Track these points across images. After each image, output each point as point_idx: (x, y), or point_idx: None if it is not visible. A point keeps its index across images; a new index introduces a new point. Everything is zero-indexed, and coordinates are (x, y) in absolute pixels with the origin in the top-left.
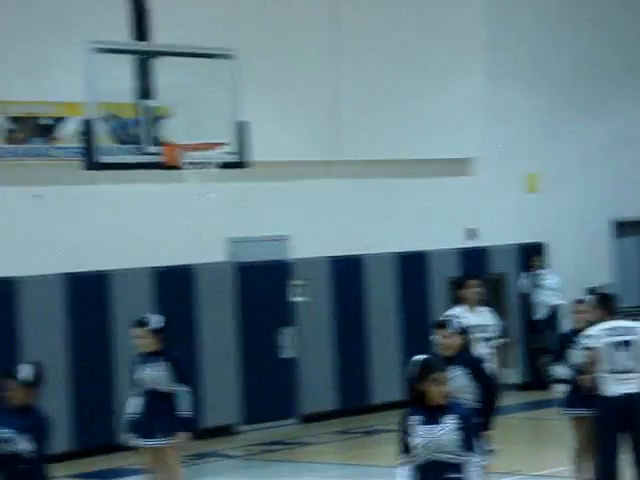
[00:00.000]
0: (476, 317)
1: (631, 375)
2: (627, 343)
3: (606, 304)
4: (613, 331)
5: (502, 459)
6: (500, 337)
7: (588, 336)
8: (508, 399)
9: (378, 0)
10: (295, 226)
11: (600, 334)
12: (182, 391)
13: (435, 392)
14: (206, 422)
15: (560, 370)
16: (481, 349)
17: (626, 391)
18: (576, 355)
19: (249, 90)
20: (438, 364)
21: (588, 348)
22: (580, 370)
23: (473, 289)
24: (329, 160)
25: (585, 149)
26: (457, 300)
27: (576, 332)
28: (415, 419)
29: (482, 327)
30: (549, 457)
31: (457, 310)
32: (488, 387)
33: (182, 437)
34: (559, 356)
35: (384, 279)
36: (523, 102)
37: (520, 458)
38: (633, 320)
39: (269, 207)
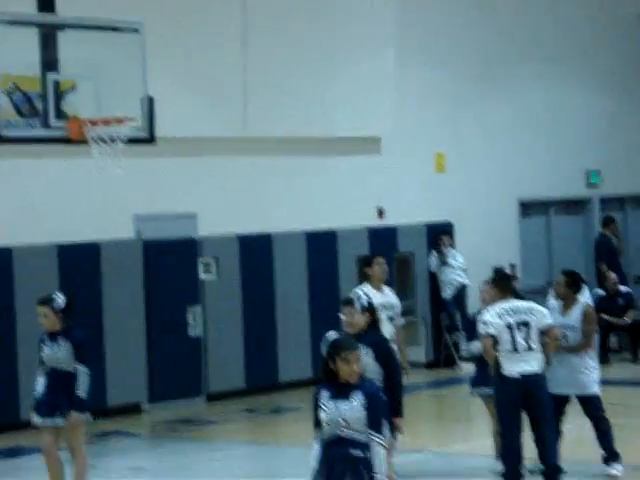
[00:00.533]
0: (382, 295)
1: (529, 354)
2: (523, 323)
3: (503, 284)
4: (510, 312)
5: (408, 436)
6: (402, 316)
7: (484, 322)
8: (415, 377)
9: None
10: (203, 203)
11: (496, 316)
12: (81, 371)
13: (345, 370)
14: (112, 400)
15: (468, 349)
16: (386, 327)
17: (525, 370)
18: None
19: (156, 65)
20: (349, 343)
21: (482, 335)
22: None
23: (380, 267)
24: (238, 137)
25: (491, 130)
26: (364, 278)
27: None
28: (325, 395)
29: (387, 305)
30: (454, 434)
31: (364, 288)
32: (390, 371)
33: (75, 417)
34: (470, 335)
35: (293, 257)
36: (431, 83)
37: (426, 435)
38: (532, 299)
39: (177, 183)
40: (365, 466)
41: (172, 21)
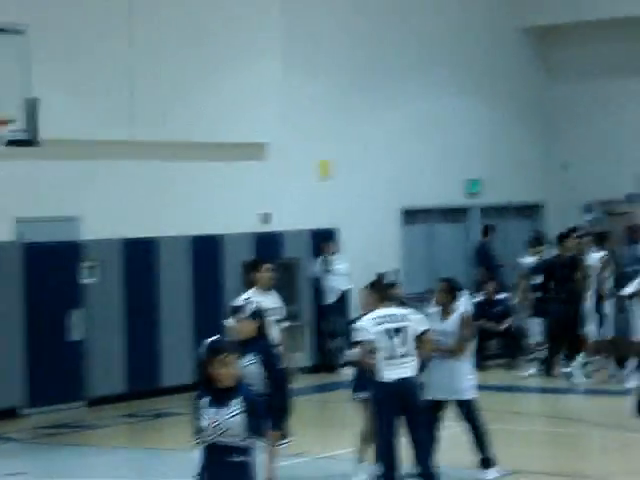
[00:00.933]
0: (268, 300)
1: (405, 360)
2: (399, 330)
3: (381, 290)
4: (386, 318)
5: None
6: (286, 319)
7: (359, 329)
8: (297, 382)
9: None
10: (87, 207)
11: (372, 323)
12: None
13: (222, 374)
14: None
15: (349, 354)
16: (273, 332)
17: (401, 376)
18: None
19: (40, 66)
20: (226, 346)
21: (358, 342)
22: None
23: (266, 272)
24: (124, 140)
25: (375, 138)
26: (249, 283)
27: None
28: (204, 401)
29: (274, 310)
30: (334, 439)
31: (249, 293)
32: (274, 378)
33: None
34: (348, 341)
35: (177, 262)
36: (317, 92)
37: (306, 440)
38: (414, 306)
39: (61, 186)
40: (246, 472)
41: (57, 22)
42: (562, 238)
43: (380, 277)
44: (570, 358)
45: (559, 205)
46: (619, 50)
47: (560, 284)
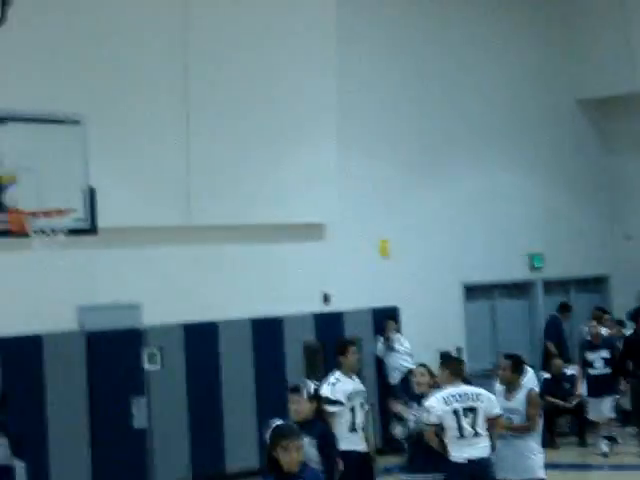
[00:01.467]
0: (354, 383)
1: (478, 440)
2: (473, 409)
3: (452, 367)
4: (459, 397)
5: None
6: (368, 403)
7: (428, 409)
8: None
9: (229, 67)
10: (147, 293)
11: (443, 401)
12: (19, 465)
13: (285, 459)
14: None
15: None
16: (358, 415)
17: (474, 456)
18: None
19: (98, 155)
20: (289, 431)
21: (428, 424)
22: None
23: (354, 356)
24: (181, 225)
25: (433, 216)
26: (337, 366)
27: (420, 397)
28: None
29: (358, 393)
30: None
31: (336, 376)
32: (332, 463)
33: None
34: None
35: (239, 345)
36: (372, 172)
37: None
38: (478, 384)
39: (119, 273)
40: None
41: (114, 111)
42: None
43: (449, 353)
44: None
45: (624, 278)
46: None
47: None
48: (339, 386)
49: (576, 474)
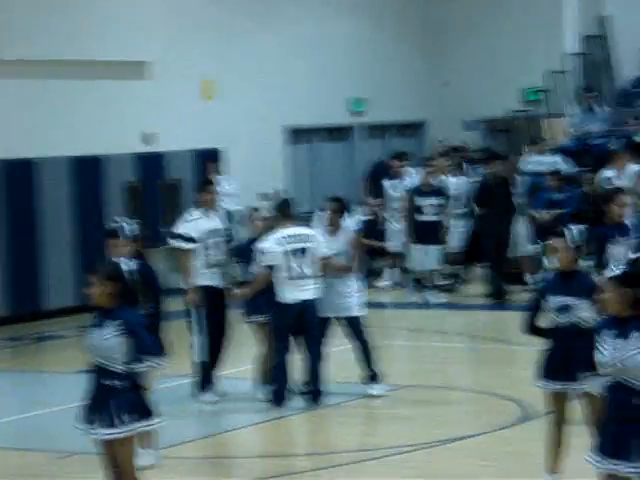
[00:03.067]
0: (211, 221)
1: (307, 281)
2: (304, 250)
3: (284, 210)
4: (291, 238)
5: (174, 362)
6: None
7: (263, 252)
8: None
9: None
10: None
11: (278, 243)
12: None
13: (91, 294)
14: None
15: (240, 275)
16: (218, 252)
17: (302, 297)
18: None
19: None
20: (92, 268)
21: (263, 265)
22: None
23: (211, 193)
24: None
25: (260, 58)
26: (198, 204)
27: (253, 241)
28: (94, 320)
29: (218, 231)
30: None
31: (196, 213)
32: (155, 299)
33: None
34: (244, 262)
35: (58, 183)
36: (201, 11)
37: (188, 362)
38: (306, 225)
39: None
40: (115, 397)
41: None
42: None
43: (286, 198)
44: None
45: (440, 123)
46: None
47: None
48: (194, 224)
49: (389, 312)
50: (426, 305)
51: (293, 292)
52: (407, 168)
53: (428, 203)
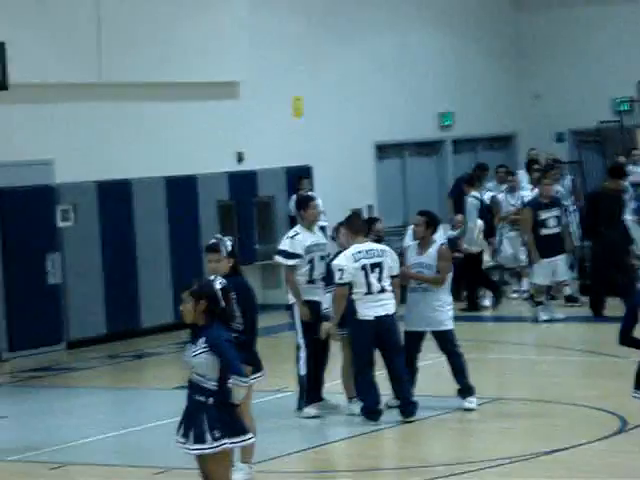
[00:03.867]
0: (315, 236)
1: (384, 296)
2: (379, 265)
3: (353, 225)
4: (366, 253)
5: (270, 378)
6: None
7: (340, 269)
8: (278, 318)
9: None
10: (60, 150)
11: (351, 260)
12: None
13: (181, 311)
14: None
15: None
16: (318, 268)
17: (379, 314)
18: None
19: (7, 10)
20: (186, 285)
21: (341, 283)
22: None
23: (313, 209)
24: (93, 82)
25: (347, 74)
26: (298, 220)
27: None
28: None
29: (321, 246)
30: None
31: (296, 229)
32: (251, 315)
33: None
34: (326, 280)
35: (152, 203)
36: (286, 27)
37: (285, 375)
38: (389, 240)
39: (32, 130)
40: (207, 413)
41: None
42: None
43: (356, 213)
44: None
45: (529, 136)
46: None
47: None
48: (298, 239)
49: (478, 325)
50: (534, 320)
51: (372, 308)
52: (518, 178)
53: (551, 215)
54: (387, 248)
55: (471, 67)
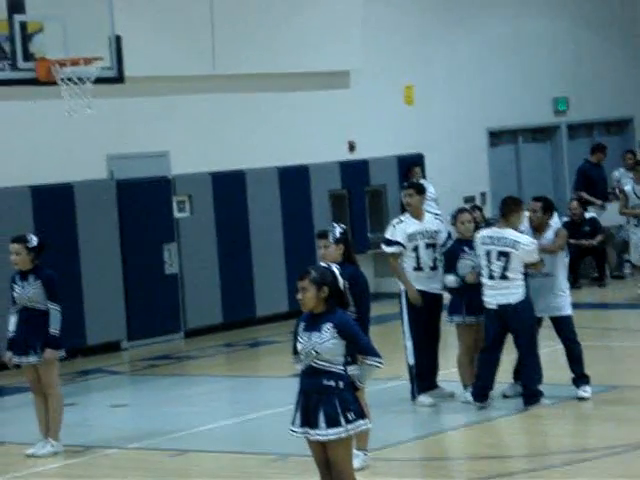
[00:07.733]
0: (419, 224)
1: (506, 284)
2: (506, 254)
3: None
4: (497, 240)
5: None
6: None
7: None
8: (392, 307)
9: None
10: (175, 141)
11: (480, 241)
12: (52, 309)
13: (300, 299)
14: (91, 339)
15: (449, 279)
16: (424, 255)
17: (502, 303)
18: (463, 265)
19: (124, 4)
20: (300, 272)
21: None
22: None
23: (404, 198)
24: (207, 74)
25: (458, 60)
26: (407, 208)
27: (460, 242)
28: (301, 326)
29: (427, 233)
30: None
31: (403, 217)
32: (364, 303)
33: (50, 355)
34: (448, 266)
35: (266, 193)
36: (398, 15)
37: (399, 363)
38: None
39: (148, 122)
40: (338, 397)
41: None
42: None
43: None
44: None
45: None
46: None
47: None
48: (400, 227)
49: (597, 313)
50: None
51: (493, 296)
52: None
53: None
54: (524, 240)
55: (586, 50)
